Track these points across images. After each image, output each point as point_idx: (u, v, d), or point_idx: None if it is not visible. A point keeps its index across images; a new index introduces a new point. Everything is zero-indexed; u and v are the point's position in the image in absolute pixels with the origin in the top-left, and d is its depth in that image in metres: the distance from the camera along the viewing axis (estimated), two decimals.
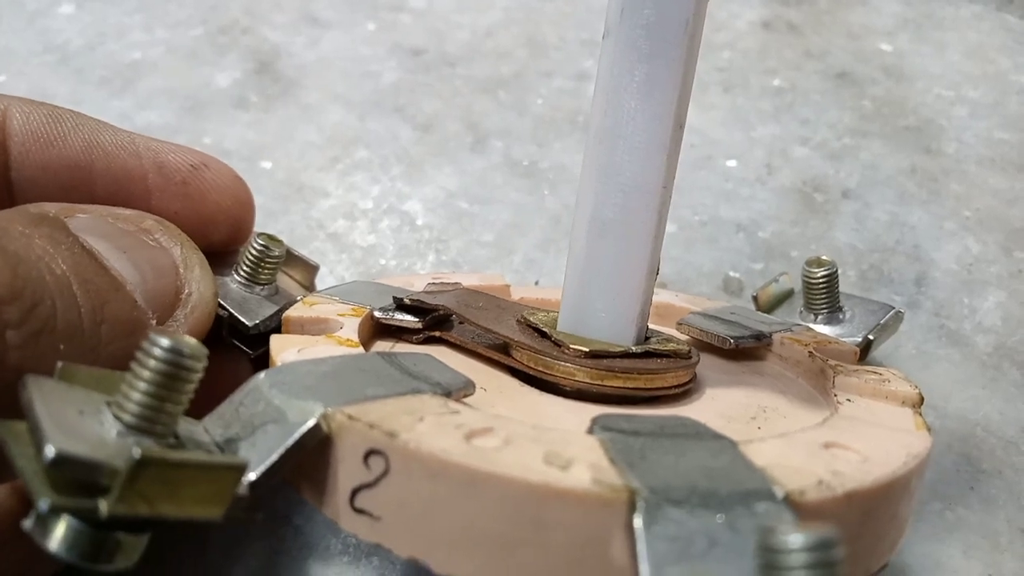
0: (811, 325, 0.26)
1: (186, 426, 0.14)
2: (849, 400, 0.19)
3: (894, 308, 0.27)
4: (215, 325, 0.22)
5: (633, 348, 0.19)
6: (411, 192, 0.35)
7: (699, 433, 0.15)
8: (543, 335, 0.19)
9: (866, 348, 0.26)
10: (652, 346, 0.19)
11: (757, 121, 0.37)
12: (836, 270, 0.26)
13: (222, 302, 0.22)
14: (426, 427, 0.14)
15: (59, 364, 0.14)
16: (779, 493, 0.13)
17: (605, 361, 0.18)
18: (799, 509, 0.13)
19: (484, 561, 0.13)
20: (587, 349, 0.18)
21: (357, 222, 0.34)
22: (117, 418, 0.13)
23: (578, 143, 0.37)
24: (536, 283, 0.32)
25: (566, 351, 0.19)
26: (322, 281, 0.28)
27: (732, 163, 0.35)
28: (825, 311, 0.26)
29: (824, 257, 0.27)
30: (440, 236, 0.34)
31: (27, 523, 0.11)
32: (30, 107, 0.22)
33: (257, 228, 0.25)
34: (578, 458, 0.13)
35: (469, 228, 0.34)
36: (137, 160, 0.23)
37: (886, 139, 0.36)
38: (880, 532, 0.15)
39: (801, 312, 0.27)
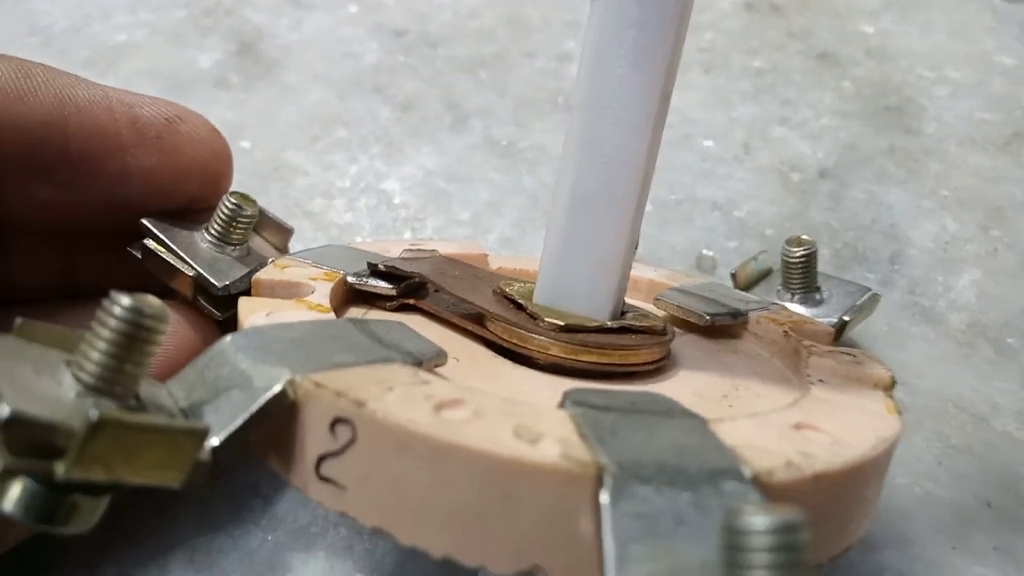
0: (788, 304, 0.26)
1: (148, 388, 0.14)
2: (821, 381, 0.19)
3: (871, 290, 0.27)
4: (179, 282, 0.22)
5: (608, 323, 0.19)
6: (389, 171, 0.35)
7: (670, 410, 0.15)
8: (519, 307, 0.19)
9: (841, 329, 0.26)
10: (628, 321, 0.19)
11: (737, 101, 0.37)
12: (815, 250, 0.26)
13: (191, 261, 0.22)
14: (395, 397, 0.13)
15: (17, 320, 0.14)
16: (747, 473, 0.13)
17: (580, 336, 0.18)
18: (767, 490, 0.13)
19: (450, 533, 0.13)
20: (562, 323, 0.18)
21: (334, 200, 0.34)
22: (76, 378, 0.13)
23: (558, 124, 0.37)
24: None
25: (541, 324, 0.18)
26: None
27: (709, 143, 0.35)
28: (802, 291, 0.26)
29: (804, 236, 0.27)
30: (417, 215, 0.34)
31: None
32: None
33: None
34: (548, 432, 0.13)
35: (446, 207, 0.34)
36: (111, 115, 0.22)
37: (866, 119, 0.36)
38: (848, 514, 0.15)
39: (779, 291, 0.27)
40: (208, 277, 0.21)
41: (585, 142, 0.18)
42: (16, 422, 0.11)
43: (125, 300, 0.13)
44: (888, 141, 0.35)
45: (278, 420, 0.14)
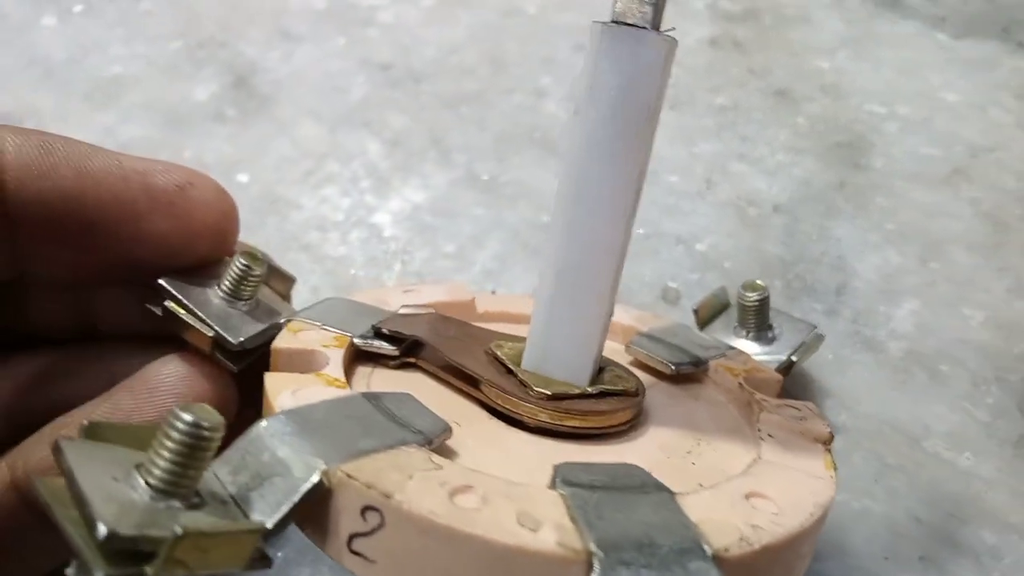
0: (742, 341, 0.29)
1: (202, 481, 0.16)
2: (771, 436, 0.22)
3: (815, 328, 0.30)
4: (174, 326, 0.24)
5: (589, 389, 0.22)
6: (379, 205, 0.38)
7: (643, 484, 0.18)
8: (509, 371, 0.22)
9: (789, 367, 0.29)
10: (606, 385, 0.22)
11: (700, 138, 0.40)
12: (767, 295, 0.29)
13: (208, 320, 0.24)
14: (415, 486, 0.16)
15: (84, 423, 0.16)
16: (708, 551, 0.16)
17: (564, 403, 0.21)
18: (723, 563, 0.16)
19: None
20: (549, 392, 0.21)
21: (328, 234, 0.37)
22: (147, 483, 0.15)
23: (535, 159, 0.39)
24: (493, 292, 0.35)
25: (531, 392, 0.21)
26: (297, 289, 0.30)
27: (675, 178, 0.38)
28: (755, 330, 0.30)
29: (759, 282, 0.30)
30: (405, 247, 0.36)
31: (70, 571, 0.14)
32: (21, 137, 0.23)
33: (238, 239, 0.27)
34: (545, 519, 0.16)
35: (432, 240, 0.37)
36: (125, 185, 0.24)
37: (818, 155, 0.39)
38: (789, 572, 0.18)
39: (735, 327, 0.30)
40: (225, 336, 0.23)
41: (568, 229, 0.21)
42: (113, 538, 0.13)
43: (187, 416, 0.15)
44: (839, 176, 0.38)
45: (315, 502, 0.16)
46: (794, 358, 0.28)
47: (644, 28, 0.20)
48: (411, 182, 0.39)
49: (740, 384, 0.25)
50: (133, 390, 0.24)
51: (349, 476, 0.16)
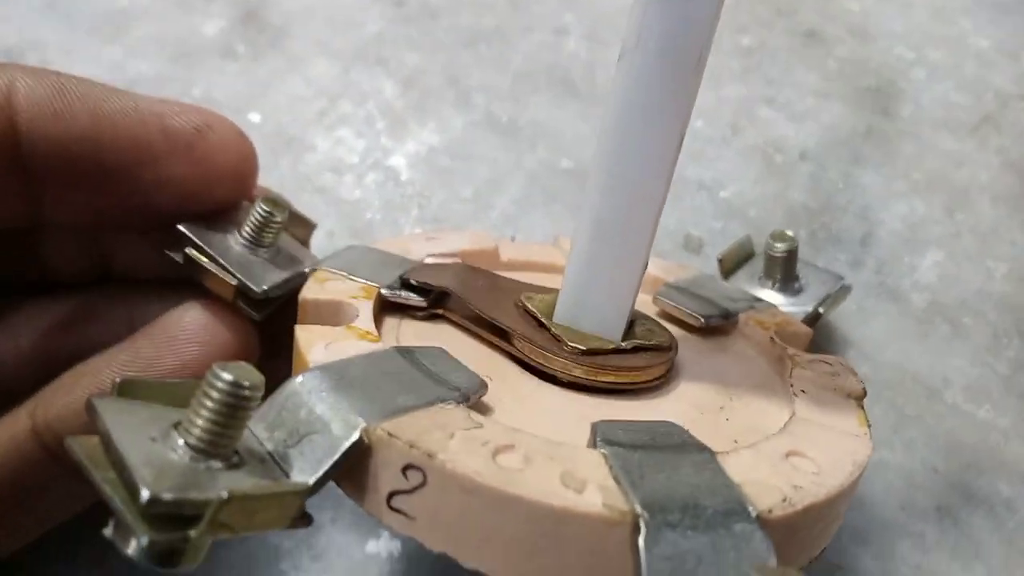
0: (768, 292, 0.29)
1: (241, 440, 0.16)
2: (804, 392, 0.21)
3: (843, 279, 0.30)
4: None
5: (623, 344, 0.21)
6: (395, 147, 0.37)
7: (684, 443, 0.18)
8: (540, 324, 0.22)
9: (815, 319, 0.29)
10: (639, 339, 0.22)
11: (727, 80, 0.39)
12: (796, 246, 0.29)
13: (231, 268, 0.24)
14: (457, 445, 0.16)
15: (116, 379, 0.16)
16: (752, 512, 0.16)
17: (599, 358, 0.21)
18: (767, 524, 0.16)
19: (506, 562, 0.16)
20: (584, 347, 0.21)
21: (344, 177, 0.36)
22: (187, 443, 0.15)
23: (555, 99, 0.38)
24: (513, 238, 0.34)
25: (564, 347, 0.21)
26: (314, 239, 0.30)
27: (699, 123, 0.37)
28: (782, 282, 0.29)
29: (787, 232, 0.29)
30: (422, 191, 0.36)
31: (108, 531, 0.14)
32: (34, 78, 0.22)
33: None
34: (589, 479, 0.16)
35: (450, 184, 0.36)
36: (143, 127, 0.23)
37: (846, 100, 0.38)
38: (828, 529, 0.18)
39: (760, 278, 0.30)
40: (248, 284, 0.23)
41: (608, 179, 0.20)
42: (156, 502, 0.13)
43: (227, 375, 0.15)
44: (866, 123, 0.38)
45: (354, 460, 0.16)
46: (821, 310, 0.28)
47: None
48: (428, 124, 0.38)
49: (772, 338, 0.24)
50: (154, 338, 0.24)
51: (390, 435, 0.16)
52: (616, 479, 0.16)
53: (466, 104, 0.38)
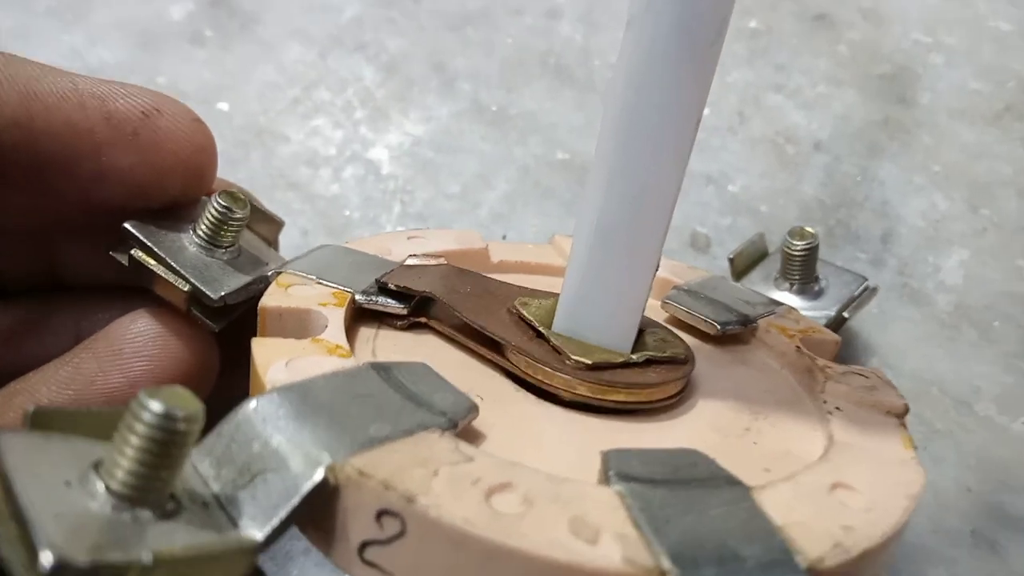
0: (785, 294, 0.26)
1: (181, 481, 0.13)
2: (838, 409, 0.19)
3: (866, 280, 0.27)
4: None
5: (633, 357, 0.19)
6: (375, 139, 0.34)
7: (712, 477, 0.15)
8: (538, 334, 0.19)
9: (839, 324, 0.26)
10: (650, 351, 0.19)
11: (731, 65, 0.36)
12: (817, 243, 0.26)
13: (183, 272, 0.21)
14: (442, 485, 0.13)
15: (29, 408, 0.13)
16: (802, 564, 0.13)
17: (606, 374, 0.18)
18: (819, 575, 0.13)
19: None
20: (589, 361, 0.18)
21: (320, 170, 0.33)
22: (107, 487, 0.12)
23: (548, 88, 0.36)
24: (504, 237, 0.32)
25: (567, 361, 0.18)
26: (286, 232, 0.27)
27: (704, 110, 0.35)
28: (800, 282, 0.27)
29: (807, 229, 0.27)
30: (405, 186, 0.33)
31: None
32: None
33: (217, 175, 0.24)
34: (604, 526, 0.13)
35: (435, 178, 0.33)
36: (82, 111, 0.20)
37: (860, 88, 0.36)
38: (880, 570, 0.16)
39: (776, 279, 0.27)
40: (203, 289, 0.20)
41: (613, 173, 0.17)
42: (63, 569, 0.10)
43: (155, 406, 0.12)
44: (882, 112, 0.35)
45: (318, 504, 0.13)
46: (846, 314, 0.26)
47: None
48: (411, 114, 0.35)
49: (798, 347, 0.22)
50: (97, 352, 0.21)
51: (361, 473, 0.13)
52: (636, 524, 0.13)
53: (452, 92, 0.35)
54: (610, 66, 0.36)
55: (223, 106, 0.35)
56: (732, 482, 0.15)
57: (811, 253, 0.26)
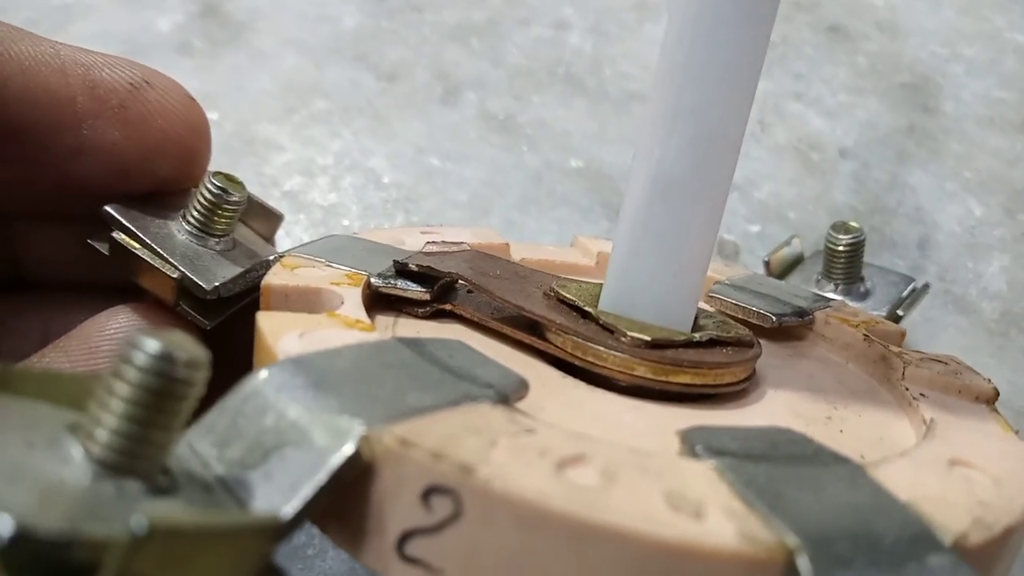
0: (828, 294, 0.24)
1: (174, 455, 0.11)
2: (923, 395, 0.17)
3: (914, 280, 0.25)
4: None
5: (696, 336, 0.16)
6: (376, 147, 0.32)
7: (817, 453, 0.13)
8: (584, 315, 0.16)
9: (894, 322, 0.24)
10: (714, 332, 0.17)
11: None
12: (863, 238, 0.24)
13: (171, 259, 0.18)
14: (502, 455, 0.11)
15: None
16: (946, 539, 0.11)
17: (670, 352, 0.15)
18: (965, 556, 0.11)
19: None
20: (649, 338, 0.15)
21: (316, 179, 0.31)
22: (87, 451, 0.10)
23: (559, 97, 0.34)
24: None
25: (623, 339, 0.16)
26: (278, 241, 0.24)
27: None
28: (845, 282, 0.24)
29: (852, 223, 0.24)
30: (409, 195, 0.31)
31: None
32: None
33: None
34: (707, 501, 0.11)
35: (441, 187, 0.31)
36: (63, 78, 0.18)
37: (881, 96, 0.34)
38: (1013, 561, 0.13)
39: (818, 280, 0.25)
40: (194, 278, 0.18)
41: (671, 117, 0.15)
42: (22, 541, 0.08)
43: (152, 345, 0.09)
44: (907, 119, 0.34)
45: (346, 485, 0.10)
46: (900, 312, 0.23)
47: None
48: (413, 123, 0.33)
49: (866, 336, 0.19)
50: (69, 350, 0.18)
51: (404, 442, 0.11)
52: (744, 501, 0.11)
53: (457, 101, 0.34)
54: (623, 76, 0.35)
55: (213, 115, 0.32)
56: (840, 459, 0.12)
57: (856, 248, 0.24)
